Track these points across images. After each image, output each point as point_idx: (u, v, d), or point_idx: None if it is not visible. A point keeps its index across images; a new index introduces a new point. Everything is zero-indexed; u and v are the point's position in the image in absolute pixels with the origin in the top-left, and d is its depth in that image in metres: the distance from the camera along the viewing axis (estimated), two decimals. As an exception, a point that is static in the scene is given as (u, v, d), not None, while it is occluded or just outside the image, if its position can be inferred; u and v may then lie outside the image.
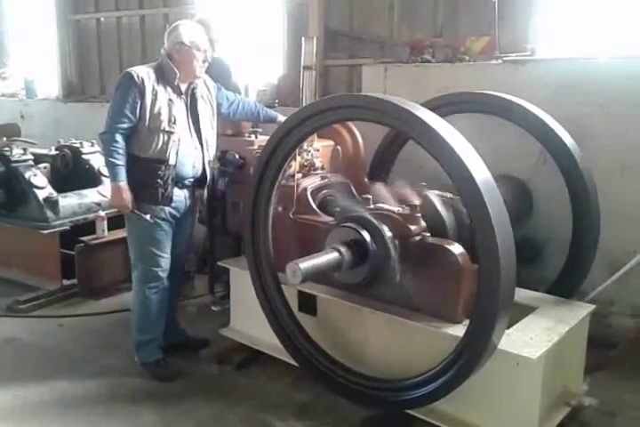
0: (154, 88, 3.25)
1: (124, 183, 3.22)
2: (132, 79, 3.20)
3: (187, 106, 3.38)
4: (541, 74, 3.79)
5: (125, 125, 3.21)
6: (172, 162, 3.28)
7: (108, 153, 3.20)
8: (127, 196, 3.23)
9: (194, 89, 3.41)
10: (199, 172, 3.44)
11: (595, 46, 4.10)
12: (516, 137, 3.56)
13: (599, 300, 3.40)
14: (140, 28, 6.90)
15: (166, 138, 3.27)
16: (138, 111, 3.21)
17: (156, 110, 3.24)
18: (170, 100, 3.30)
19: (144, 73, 3.24)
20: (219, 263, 3.75)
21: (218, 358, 3.62)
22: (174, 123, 3.29)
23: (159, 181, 3.25)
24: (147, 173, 3.25)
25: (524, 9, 4.35)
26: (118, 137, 3.19)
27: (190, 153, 3.37)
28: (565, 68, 3.74)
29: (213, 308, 4.06)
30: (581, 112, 3.61)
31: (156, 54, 6.39)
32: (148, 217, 3.28)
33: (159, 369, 3.49)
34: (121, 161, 3.20)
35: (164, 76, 3.30)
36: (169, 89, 3.32)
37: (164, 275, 3.43)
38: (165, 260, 3.42)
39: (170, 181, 3.29)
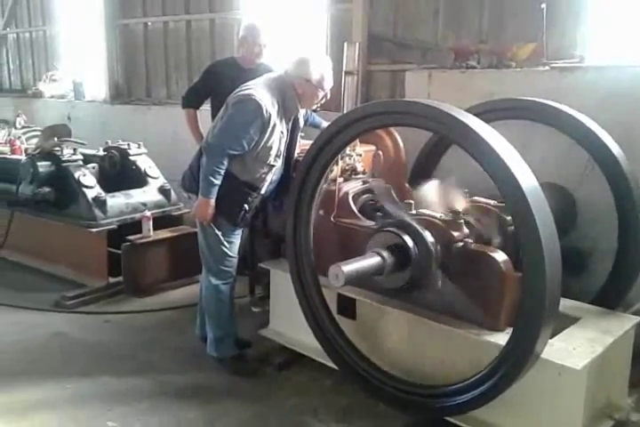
0: (275, 124, 3.27)
1: (213, 201, 3.30)
2: (260, 110, 3.17)
3: (288, 134, 3.44)
4: (589, 82, 3.73)
5: (237, 152, 3.24)
6: (263, 191, 3.43)
7: (211, 172, 3.24)
8: (212, 211, 3.32)
9: (297, 115, 3.47)
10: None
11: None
12: (563, 145, 3.52)
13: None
14: (185, 33, 7.03)
15: (267, 170, 3.38)
16: (253, 143, 3.25)
17: (268, 144, 3.30)
18: (282, 132, 3.35)
19: (270, 106, 3.21)
20: (260, 265, 3.81)
21: (259, 358, 3.67)
22: (279, 157, 3.40)
23: (246, 206, 3.37)
24: (238, 195, 3.36)
25: (573, 15, 4.30)
26: (225, 160, 3.24)
27: (276, 180, 3.51)
28: (614, 76, 3.67)
29: (253, 309, 4.11)
30: (630, 121, 3.54)
31: (202, 58, 6.64)
32: (220, 234, 3.41)
33: (238, 364, 3.58)
34: (218, 181, 3.26)
35: (285, 109, 3.32)
36: (284, 121, 3.35)
37: (234, 272, 3.57)
38: (236, 259, 3.55)
39: (254, 207, 3.44)
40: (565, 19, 4.32)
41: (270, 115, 3.22)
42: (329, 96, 3.44)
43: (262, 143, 3.28)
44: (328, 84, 3.35)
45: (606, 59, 4.19)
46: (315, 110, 3.92)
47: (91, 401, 3.29)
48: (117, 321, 4.31)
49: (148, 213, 4.81)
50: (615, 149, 3.19)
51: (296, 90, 3.32)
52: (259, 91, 3.24)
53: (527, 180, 2.38)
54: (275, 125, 3.28)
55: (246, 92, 3.25)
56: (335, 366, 3.22)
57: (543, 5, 4.12)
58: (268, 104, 3.21)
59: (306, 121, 3.90)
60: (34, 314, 4.38)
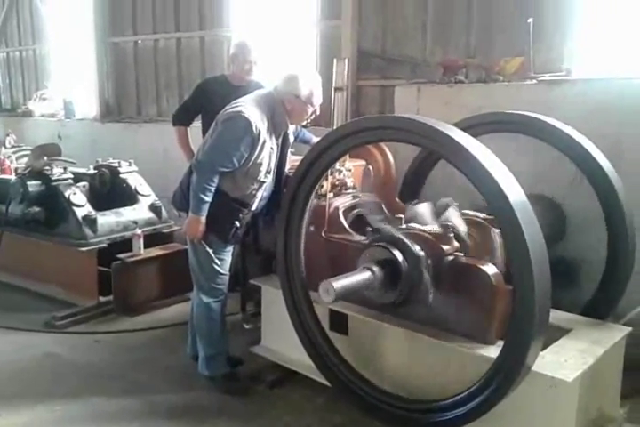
0: (265, 140, 3.28)
1: (203, 218, 3.30)
2: (249, 128, 3.18)
3: (278, 150, 3.45)
4: (577, 94, 3.77)
5: (227, 169, 3.25)
6: (253, 208, 3.43)
7: (201, 189, 3.24)
8: (202, 228, 3.32)
9: (287, 131, 3.48)
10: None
11: (631, 66, 4.07)
12: (551, 157, 3.54)
13: (639, 324, 3.33)
14: (176, 51, 7.06)
15: (257, 186, 3.39)
16: (243, 160, 3.26)
17: (259, 161, 3.31)
18: (272, 148, 3.37)
19: (260, 122, 3.23)
20: (251, 281, 3.79)
21: (251, 376, 3.65)
22: (269, 173, 3.40)
23: (237, 223, 3.37)
24: (229, 212, 3.35)
25: (559, 29, 4.35)
26: (216, 177, 3.24)
27: (267, 196, 3.51)
28: (601, 88, 3.71)
29: (245, 326, 4.08)
30: (617, 132, 3.58)
31: (193, 76, 6.67)
32: (211, 251, 3.41)
33: (230, 383, 3.56)
34: (209, 198, 3.26)
35: (274, 125, 3.33)
36: (273, 138, 3.37)
37: (225, 290, 3.56)
38: (227, 276, 3.55)
39: (245, 223, 3.43)
40: (552, 33, 4.37)
41: (260, 131, 3.23)
42: (318, 112, 3.46)
43: (252, 160, 3.29)
44: (317, 99, 3.36)
45: (593, 72, 4.24)
46: (305, 126, 3.95)
47: (80, 423, 3.25)
48: (108, 341, 4.27)
49: (138, 231, 4.79)
50: (603, 160, 3.21)
51: (285, 106, 3.33)
52: (248, 108, 3.25)
53: (515, 193, 2.39)
54: (265, 142, 3.29)
55: (236, 109, 3.26)
56: (328, 383, 3.20)
57: (529, 20, 4.17)
58: (258, 121, 3.22)
59: (296, 137, 3.92)
60: (24, 335, 4.34)
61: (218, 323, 3.56)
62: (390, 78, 5.22)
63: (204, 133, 4.02)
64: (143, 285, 4.75)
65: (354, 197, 3.55)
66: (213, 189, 3.26)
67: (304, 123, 3.57)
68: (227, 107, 3.36)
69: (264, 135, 3.27)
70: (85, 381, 3.68)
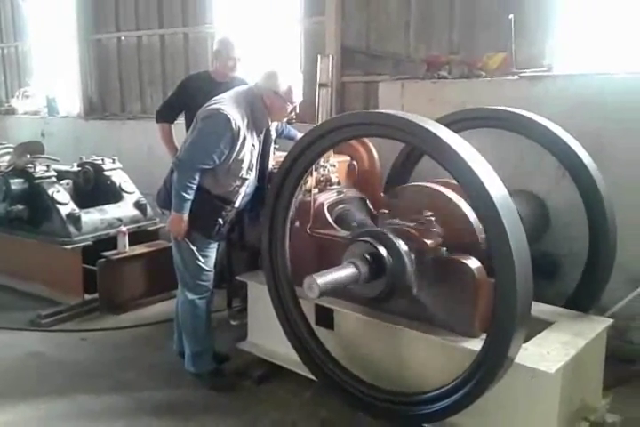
0: (245, 137, 3.27)
1: (186, 216, 3.30)
2: (228, 125, 3.18)
3: (260, 147, 3.45)
4: (558, 90, 3.80)
5: (207, 167, 3.25)
6: (237, 205, 3.43)
7: (183, 187, 3.24)
8: (185, 226, 3.32)
9: (268, 128, 3.48)
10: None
11: (611, 62, 4.11)
12: (534, 153, 3.57)
13: (620, 315, 3.38)
14: (159, 47, 7.03)
15: (240, 183, 3.38)
16: (224, 157, 3.25)
17: (240, 157, 3.30)
18: (253, 145, 3.36)
19: (239, 119, 3.22)
20: (237, 278, 3.80)
21: (238, 372, 3.65)
22: (251, 170, 3.40)
23: (220, 220, 3.37)
24: (211, 209, 3.35)
25: (541, 25, 4.38)
26: (197, 175, 3.24)
27: (250, 193, 3.51)
28: (582, 83, 3.75)
29: (232, 322, 4.09)
30: (598, 128, 3.61)
31: (176, 72, 6.64)
32: (195, 249, 3.40)
33: (216, 379, 3.57)
34: (191, 196, 3.26)
35: (254, 122, 3.33)
36: (254, 134, 3.36)
37: (210, 286, 3.56)
38: (212, 273, 3.55)
39: (228, 220, 3.44)
40: (534, 29, 4.39)
41: (240, 128, 3.23)
42: (298, 109, 3.46)
43: (233, 157, 3.28)
44: (296, 96, 3.36)
45: (574, 67, 4.27)
46: (290, 122, 3.94)
47: (65, 421, 3.23)
48: (94, 339, 4.26)
49: (123, 229, 4.77)
50: (584, 155, 3.25)
51: (264, 102, 3.33)
52: (227, 104, 3.25)
53: (497, 189, 2.41)
54: (245, 138, 3.29)
55: (215, 106, 3.26)
56: (314, 378, 3.21)
57: (511, 16, 4.20)
58: (237, 118, 3.22)
59: (280, 133, 3.92)
60: (9, 333, 4.32)
61: (203, 320, 3.56)
62: (374, 74, 5.23)
63: (187, 130, 4.01)
64: (128, 282, 4.75)
65: (338, 193, 3.56)
66: (195, 186, 3.25)
67: (286, 119, 3.57)
68: (206, 104, 3.36)
69: (244, 132, 3.26)
70: (71, 379, 3.67)
